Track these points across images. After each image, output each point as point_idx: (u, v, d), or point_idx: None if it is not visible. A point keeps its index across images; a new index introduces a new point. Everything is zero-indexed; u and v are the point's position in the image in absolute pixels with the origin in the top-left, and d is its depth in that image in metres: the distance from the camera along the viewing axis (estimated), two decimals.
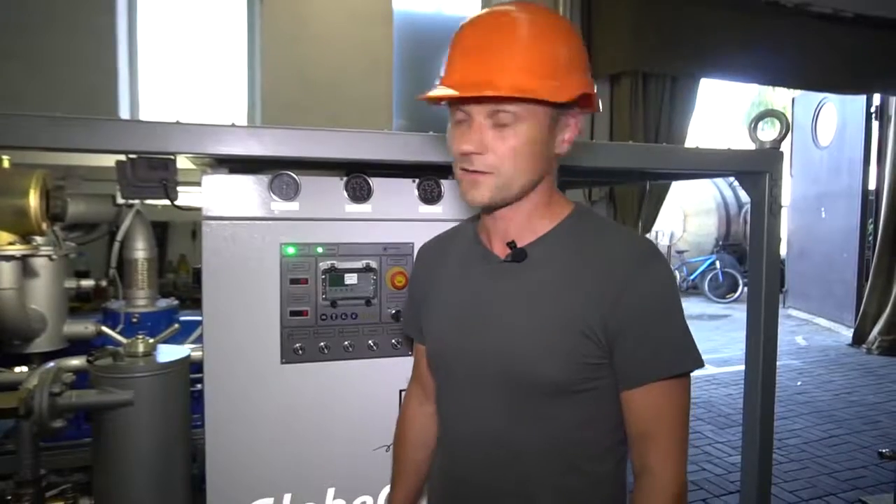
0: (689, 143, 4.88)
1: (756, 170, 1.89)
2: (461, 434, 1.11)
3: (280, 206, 1.49)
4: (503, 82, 0.92)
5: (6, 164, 1.78)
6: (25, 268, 1.75)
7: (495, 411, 1.05)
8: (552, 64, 0.95)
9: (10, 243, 1.67)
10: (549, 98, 0.93)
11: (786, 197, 8.60)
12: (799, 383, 5.57)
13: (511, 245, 1.06)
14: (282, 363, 1.50)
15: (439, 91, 0.96)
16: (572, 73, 0.98)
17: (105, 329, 1.86)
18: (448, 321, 1.13)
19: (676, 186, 9.22)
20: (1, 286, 1.67)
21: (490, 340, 1.05)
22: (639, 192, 4.70)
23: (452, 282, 1.15)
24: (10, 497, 1.55)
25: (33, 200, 1.63)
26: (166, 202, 1.44)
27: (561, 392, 1.01)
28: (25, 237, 1.71)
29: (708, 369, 5.91)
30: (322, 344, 1.53)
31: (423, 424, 1.32)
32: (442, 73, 1.01)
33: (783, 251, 8.70)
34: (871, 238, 7.30)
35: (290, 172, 1.49)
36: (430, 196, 1.60)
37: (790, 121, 8.35)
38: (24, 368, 1.83)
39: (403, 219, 1.58)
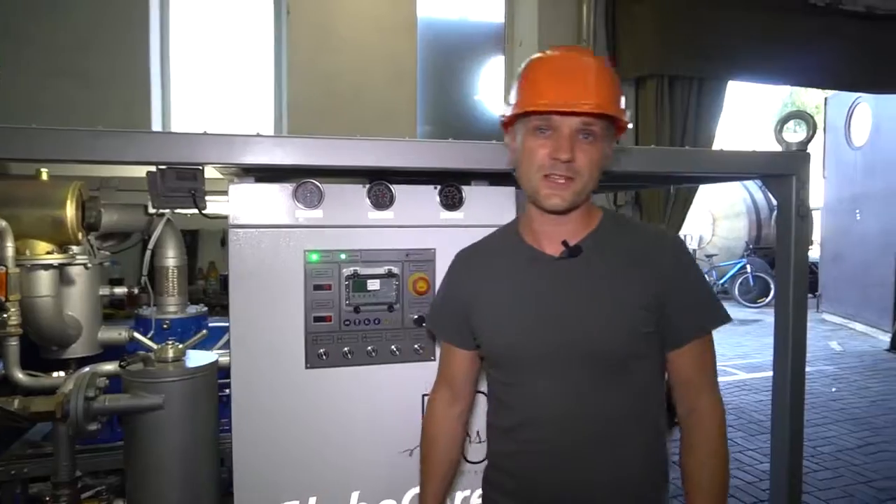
0: (717, 145, 4.81)
1: (782, 172, 1.86)
2: (545, 413, 1.23)
3: (304, 214, 1.52)
4: (595, 102, 1.13)
5: (45, 176, 1.85)
6: (62, 276, 1.80)
7: (579, 387, 1.20)
8: (617, 95, 1.19)
9: (48, 252, 1.73)
10: (624, 121, 1.20)
11: (819, 199, 8.41)
12: (834, 389, 5.43)
13: (565, 244, 1.22)
14: (306, 368, 1.53)
15: (543, 106, 1.14)
16: (620, 104, 1.21)
17: (137, 335, 1.91)
18: (512, 318, 1.25)
19: (705, 189, 9.09)
20: (39, 294, 1.73)
21: (566, 327, 1.20)
22: (665, 196, 4.65)
23: (505, 284, 1.28)
24: (47, 498, 1.60)
25: (70, 211, 1.69)
26: (195, 211, 1.48)
27: (630, 360, 1.21)
28: (62, 246, 1.77)
29: (738, 375, 5.80)
30: (345, 349, 1.55)
31: (452, 426, 1.41)
32: (516, 97, 1.22)
33: (816, 254, 8.50)
34: None
35: (313, 181, 1.52)
36: (451, 202, 1.62)
37: (823, 121, 8.18)
38: (62, 373, 1.88)
39: (425, 225, 1.60)
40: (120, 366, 1.57)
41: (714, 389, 1.27)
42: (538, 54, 1.23)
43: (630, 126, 1.23)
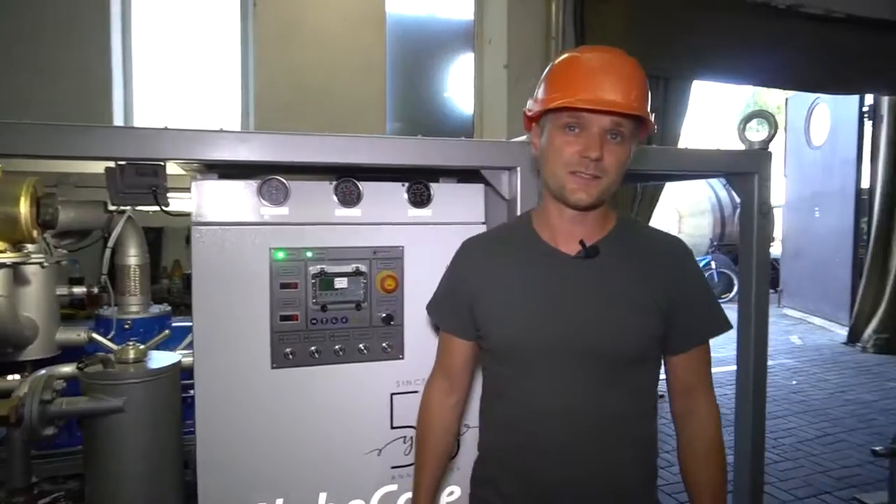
0: (683, 144, 4.90)
1: (745, 170, 1.90)
2: (548, 408, 1.23)
3: (270, 211, 1.50)
4: (633, 105, 1.13)
5: None
6: (17, 275, 1.74)
7: (585, 384, 1.22)
8: (648, 97, 1.19)
9: (1, 251, 1.67)
10: (652, 124, 1.20)
11: (780, 197, 8.63)
12: (794, 382, 5.59)
13: (582, 244, 1.23)
14: (272, 368, 1.50)
15: (579, 103, 1.12)
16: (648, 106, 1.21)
17: (96, 336, 1.86)
18: (523, 311, 1.24)
19: (671, 187, 9.25)
20: None
21: (577, 325, 1.21)
22: (632, 193, 4.71)
23: (517, 276, 1.27)
24: None
25: (24, 208, 1.63)
26: (158, 208, 1.44)
27: (637, 361, 1.23)
28: (16, 245, 1.71)
29: None
30: (312, 348, 1.53)
31: (447, 416, 1.41)
32: (547, 93, 1.20)
33: (778, 251, 8.73)
34: (864, 237, 7.32)
35: (279, 177, 1.50)
36: (419, 199, 1.61)
37: (784, 122, 8.39)
38: (16, 376, 1.82)
39: (393, 222, 1.59)
40: (78, 367, 1.53)
41: (711, 391, 1.31)
42: (572, 52, 1.23)
43: (655, 127, 1.22)
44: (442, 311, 1.39)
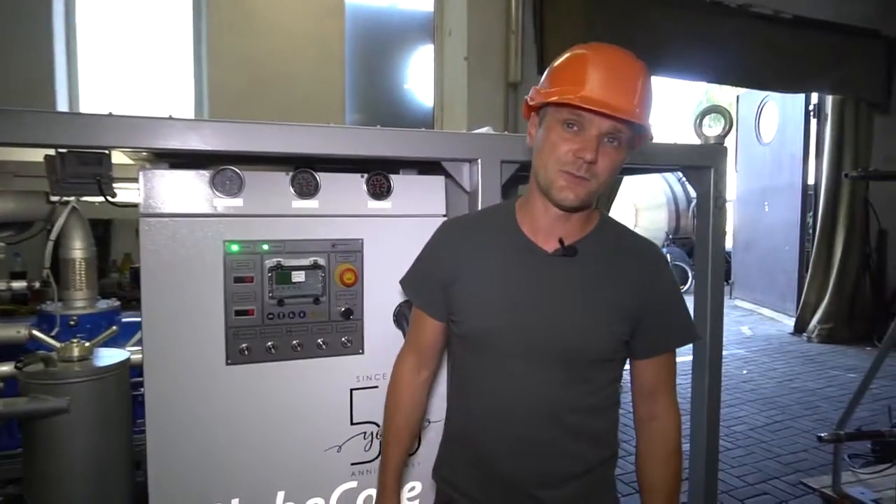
0: None
1: (701, 164, 1.93)
2: (511, 400, 1.24)
3: (223, 203, 1.44)
4: (637, 113, 1.12)
5: None
6: None
7: (550, 379, 1.22)
8: (651, 105, 1.17)
9: None
10: (651, 135, 1.19)
11: (732, 191, 8.88)
12: (745, 371, 5.77)
13: (562, 242, 1.22)
14: (227, 364, 1.46)
15: (586, 102, 1.09)
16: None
17: (36, 332, 1.76)
18: (497, 303, 1.24)
19: (628, 182, 9.41)
20: None
21: (549, 322, 1.21)
22: None
23: (494, 268, 1.26)
24: None
25: None
26: (102, 199, 1.37)
27: (602, 361, 1.24)
28: None
29: None
30: (269, 344, 1.49)
31: (416, 392, 1.40)
32: (552, 85, 1.16)
33: (729, 244, 8.98)
34: (810, 231, 7.60)
35: (233, 167, 1.44)
36: (379, 191, 1.58)
37: (735, 118, 8.62)
38: None
39: (352, 214, 1.56)
40: (16, 367, 1.45)
41: (674, 397, 1.33)
42: (582, 48, 1.18)
43: (651, 138, 1.20)
44: (417, 287, 1.37)
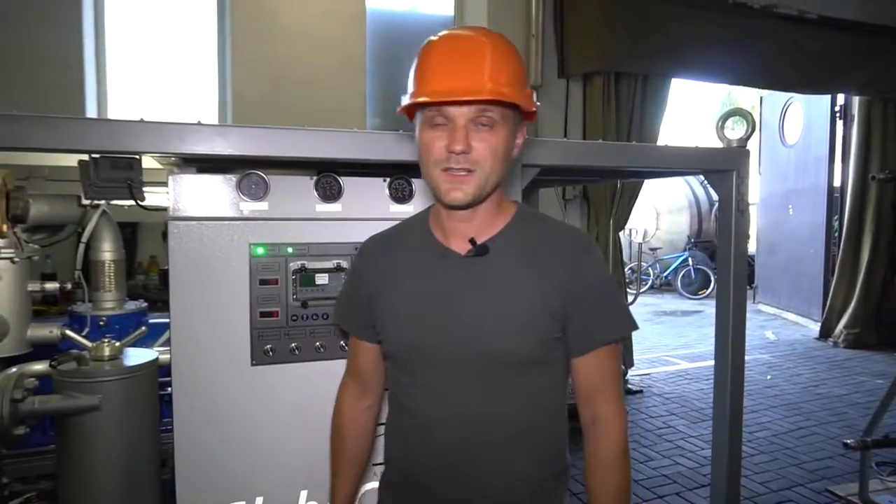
0: (662, 141, 4.95)
1: (723, 168, 1.92)
2: (438, 414, 1.18)
3: (249, 206, 1.48)
4: (489, 89, 1.04)
5: None
6: None
7: (475, 389, 1.15)
8: (518, 77, 1.10)
9: None
10: (524, 105, 1.09)
11: (755, 194, 8.76)
12: (769, 377, 5.68)
13: (472, 242, 1.16)
14: (252, 365, 1.49)
15: (430, 96, 1.05)
16: (525, 87, 1.13)
17: (69, 332, 1.81)
18: (416, 315, 1.19)
19: (649, 185, 9.34)
20: None
21: (466, 328, 1.14)
22: (612, 190, 4.75)
23: (411, 278, 1.21)
24: None
25: None
26: (133, 202, 1.41)
27: (530, 365, 1.16)
28: None
29: (680, 364, 5.99)
30: (293, 345, 1.51)
31: (360, 419, 1.35)
32: (412, 86, 1.10)
33: (753, 248, 8.87)
34: (836, 234, 7.47)
35: (259, 172, 1.48)
36: (401, 195, 1.60)
37: (758, 120, 8.53)
38: None
39: (375, 218, 1.58)
40: (51, 365, 1.49)
41: (617, 397, 1.22)
42: (430, 38, 1.11)
43: (536, 108, 1.12)
44: (346, 313, 1.34)
